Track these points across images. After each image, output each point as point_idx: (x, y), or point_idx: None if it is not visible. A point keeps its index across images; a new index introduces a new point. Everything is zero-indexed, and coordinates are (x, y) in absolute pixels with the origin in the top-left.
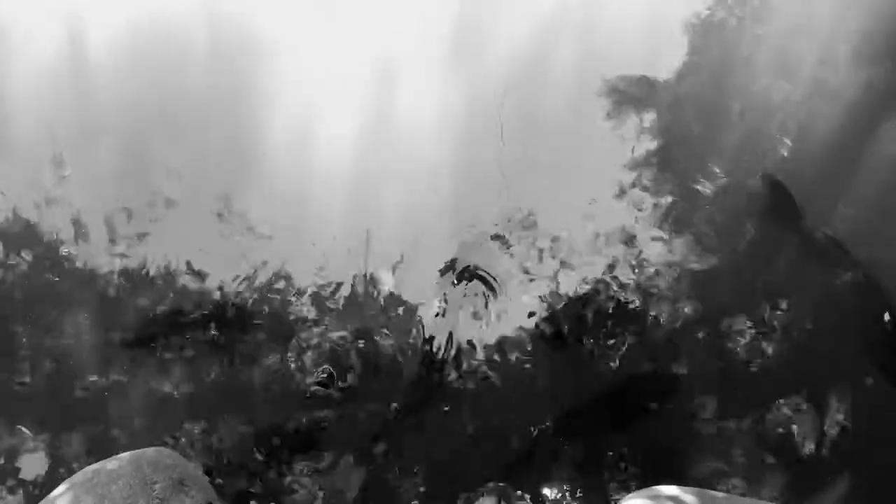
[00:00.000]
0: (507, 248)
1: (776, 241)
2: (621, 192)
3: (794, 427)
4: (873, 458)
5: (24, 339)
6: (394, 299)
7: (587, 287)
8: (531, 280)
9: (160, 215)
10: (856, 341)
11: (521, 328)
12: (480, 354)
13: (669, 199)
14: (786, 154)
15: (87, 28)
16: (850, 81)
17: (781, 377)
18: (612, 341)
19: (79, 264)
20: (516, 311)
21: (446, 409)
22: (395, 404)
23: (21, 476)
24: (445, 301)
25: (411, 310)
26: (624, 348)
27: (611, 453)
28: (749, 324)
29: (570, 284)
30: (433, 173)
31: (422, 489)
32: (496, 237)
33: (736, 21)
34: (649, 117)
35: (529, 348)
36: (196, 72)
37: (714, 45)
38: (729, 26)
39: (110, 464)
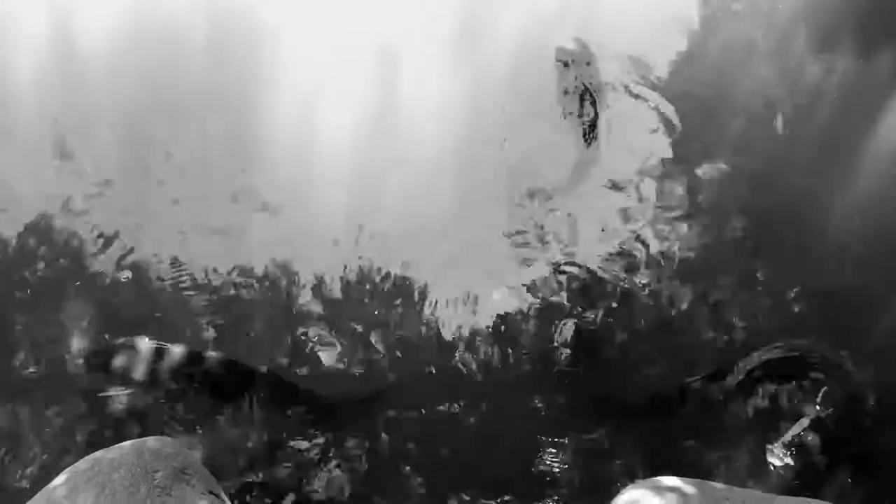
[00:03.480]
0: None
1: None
2: (622, 180)
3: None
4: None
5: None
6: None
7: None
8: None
9: (158, 202)
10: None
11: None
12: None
13: (670, 186)
14: (784, 144)
15: (85, 15)
16: (851, 71)
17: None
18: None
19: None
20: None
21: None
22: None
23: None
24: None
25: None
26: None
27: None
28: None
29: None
30: (436, 161)
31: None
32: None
33: (735, 12)
34: (649, 107)
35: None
36: (196, 58)
37: (713, 36)
38: (728, 17)
39: (111, 452)
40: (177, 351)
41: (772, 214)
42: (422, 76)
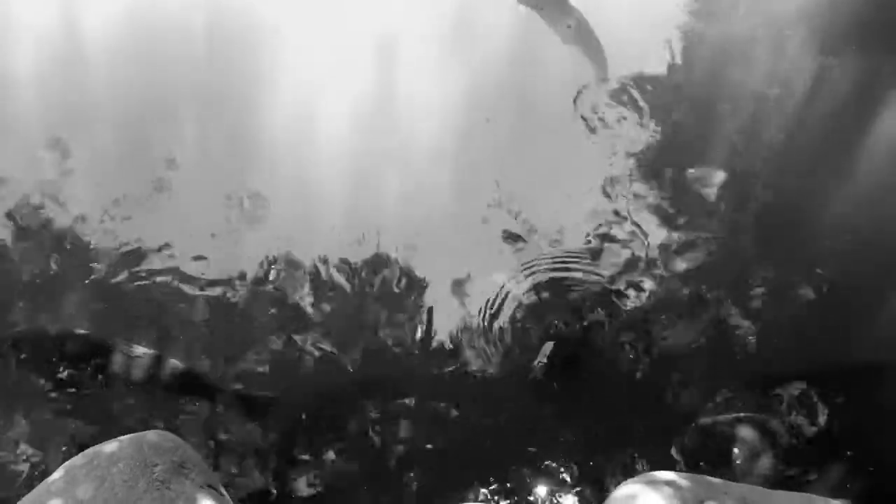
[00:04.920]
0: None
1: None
2: (614, 184)
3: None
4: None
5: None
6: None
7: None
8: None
9: (158, 201)
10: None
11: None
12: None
13: (663, 191)
14: (782, 141)
15: (85, 14)
16: (851, 67)
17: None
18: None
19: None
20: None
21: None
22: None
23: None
24: None
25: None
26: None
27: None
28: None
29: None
30: (434, 157)
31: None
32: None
33: (729, 13)
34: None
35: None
36: (196, 58)
37: (708, 38)
38: (723, 18)
39: (109, 446)
40: (174, 362)
41: (771, 216)
42: (421, 75)
